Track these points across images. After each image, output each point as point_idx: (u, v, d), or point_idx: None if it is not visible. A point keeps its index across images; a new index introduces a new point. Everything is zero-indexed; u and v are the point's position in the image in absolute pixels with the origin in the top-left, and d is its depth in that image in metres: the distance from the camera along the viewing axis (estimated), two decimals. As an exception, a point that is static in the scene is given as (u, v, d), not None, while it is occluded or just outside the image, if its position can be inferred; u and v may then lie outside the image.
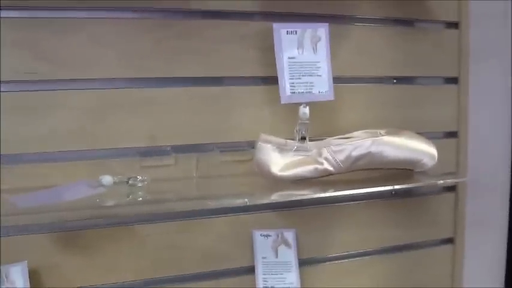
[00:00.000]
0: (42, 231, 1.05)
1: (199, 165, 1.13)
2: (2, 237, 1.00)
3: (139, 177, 1.02)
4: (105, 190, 0.97)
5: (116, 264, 1.10)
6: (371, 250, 1.32)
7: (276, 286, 1.15)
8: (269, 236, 1.17)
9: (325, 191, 1.02)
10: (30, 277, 1.00)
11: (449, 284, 1.41)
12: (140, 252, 1.12)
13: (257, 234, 1.17)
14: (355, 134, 1.11)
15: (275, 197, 1.01)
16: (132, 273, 1.12)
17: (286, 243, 1.18)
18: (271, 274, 1.16)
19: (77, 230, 1.07)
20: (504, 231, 1.39)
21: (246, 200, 0.94)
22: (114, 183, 0.99)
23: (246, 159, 1.14)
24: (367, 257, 1.31)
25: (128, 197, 0.99)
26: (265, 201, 0.99)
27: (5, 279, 0.99)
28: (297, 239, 1.20)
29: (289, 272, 1.17)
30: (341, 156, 1.05)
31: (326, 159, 1.05)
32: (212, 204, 0.96)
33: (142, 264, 1.12)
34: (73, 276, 1.07)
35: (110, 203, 0.98)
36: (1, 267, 0.99)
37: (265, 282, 1.15)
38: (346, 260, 1.29)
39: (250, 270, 1.18)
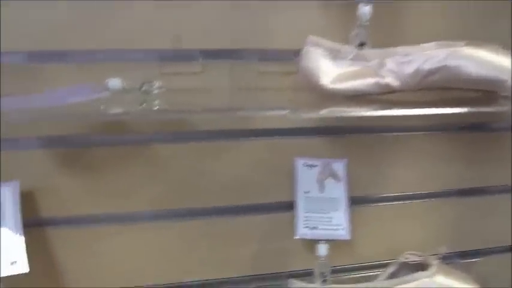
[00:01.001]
0: (38, 147, 0.88)
1: (232, 75, 0.92)
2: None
3: (157, 83, 0.81)
4: (111, 95, 0.77)
5: (125, 190, 0.93)
6: (433, 192, 1.10)
7: (319, 227, 0.95)
8: (314, 166, 0.97)
9: (386, 109, 0.80)
10: (22, 200, 0.83)
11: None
12: (156, 178, 0.94)
13: (300, 164, 0.97)
14: (426, 45, 0.88)
15: (324, 112, 0.80)
16: (145, 202, 0.94)
17: (335, 176, 0.97)
18: (315, 212, 0.95)
19: (81, 147, 0.90)
20: None
21: (287, 111, 0.73)
22: (124, 89, 0.79)
23: (289, 71, 0.91)
24: (428, 200, 1.10)
25: (141, 105, 0.79)
26: (312, 115, 0.79)
27: (-8, 201, 0.82)
28: (348, 172, 0.98)
29: (337, 211, 0.96)
30: (409, 69, 0.83)
31: (390, 71, 0.83)
32: (245, 115, 0.75)
33: (158, 192, 0.95)
34: (74, 201, 0.91)
35: (117, 110, 0.78)
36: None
37: (306, 222, 0.95)
38: (404, 202, 1.08)
39: (289, 206, 0.97)
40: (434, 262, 0.98)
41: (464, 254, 1.14)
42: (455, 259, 1.12)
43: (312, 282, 0.94)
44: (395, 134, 1.04)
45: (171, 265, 0.97)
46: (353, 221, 0.98)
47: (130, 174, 0.92)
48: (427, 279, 0.95)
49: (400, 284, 0.95)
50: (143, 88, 0.81)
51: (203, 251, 0.98)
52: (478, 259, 1.15)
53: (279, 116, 0.86)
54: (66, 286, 0.92)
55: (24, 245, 0.81)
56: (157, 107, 0.79)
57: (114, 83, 0.78)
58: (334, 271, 1.02)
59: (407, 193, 1.08)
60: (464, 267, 1.07)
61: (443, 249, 1.00)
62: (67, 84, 0.81)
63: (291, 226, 0.95)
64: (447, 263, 1.05)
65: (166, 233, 0.96)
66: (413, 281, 0.95)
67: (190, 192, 0.95)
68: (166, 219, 0.96)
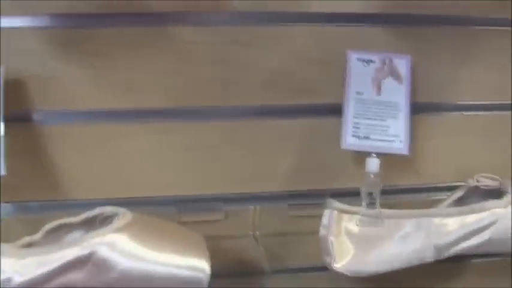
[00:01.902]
0: (29, 25, 0.71)
1: None
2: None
3: None
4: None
5: (135, 81, 0.76)
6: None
7: (372, 137, 0.76)
8: (371, 62, 0.78)
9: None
10: (6, 88, 0.67)
11: None
12: (174, 68, 0.76)
13: (353, 58, 0.78)
14: None
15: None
16: (159, 97, 0.77)
17: (396, 76, 0.78)
18: (368, 119, 0.77)
19: (81, 28, 0.73)
20: None
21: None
22: None
23: None
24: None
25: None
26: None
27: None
28: (413, 71, 0.79)
29: (395, 118, 0.77)
30: None
31: None
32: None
33: (176, 86, 0.77)
34: (71, 93, 0.75)
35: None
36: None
37: (356, 130, 0.76)
38: (482, 113, 0.87)
39: (337, 109, 0.78)
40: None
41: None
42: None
43: (357, 203, 0.76)
44: (476, 27, 0.82)
45: (188, 175, 0.80)
46: (415, 132, 0.81)
47: (141, 62, 0.75)
48: (500, 210, 0.77)
49: (467, 213, 0.77)
50: None
51: (228, 159, 0.81)
52: None
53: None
54: (57, 193, 0.77)
55: (2, 143, 0.66)
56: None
57: None
58: (388, 192, 0.84)
59: (488, 101, 0.87)
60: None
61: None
62: None
63: (338, 134, 0.77)
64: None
65: (184, 135, 0.79)
66: (483, 210, 0.77)
67: (215, 88, 0.78)
68: (185, 118, 0.78)
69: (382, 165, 0.77)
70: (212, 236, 0.80)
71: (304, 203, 0.83)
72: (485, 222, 0.76)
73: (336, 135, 0.77)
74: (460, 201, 0.82)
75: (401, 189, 0.86)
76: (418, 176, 0.86)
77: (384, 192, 0.81)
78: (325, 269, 0.75)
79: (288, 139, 0.81)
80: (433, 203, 0.83)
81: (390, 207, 0.78)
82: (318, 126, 0.81)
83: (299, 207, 0.83)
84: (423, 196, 0.87)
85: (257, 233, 0.84)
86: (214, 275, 0.67)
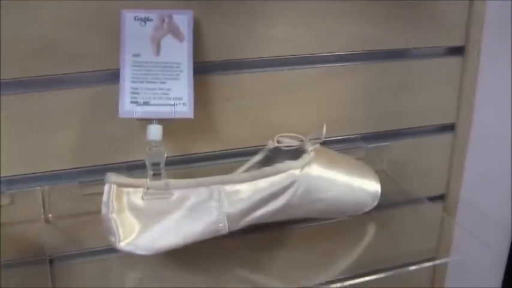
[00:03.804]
0: None
1: None
2: None
3: None
4: None
5: None
6: (327, 54, 0.83)
7: (152, 102, 0.69)
8: (148, 20, 0.70)
9: None
10: None
11: (455, 100, 0.95)
12: None
13: (129, 17, 0.70)
14: None
15: None
16: None
17: (176, 34, 0.71)
18: (146, 82, 0.70)
19: None
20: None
21: None
22: None
23: None
24: (318, 66, 0.84)
25: None
26: None
27: None
28: (197, 28, 0.73)
29: (177, 79, 0.70)
30: None
31: None
32: None
33: None
34: None
35: None
36: None
37: (134, 96, 0.69)
38: (283, 68, 0.82)
39: (114, 76, 0.71)
40: (310, 148, 0.73)
41: (373, 137, 0.90)
42: (360, 143, 0.88)
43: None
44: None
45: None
46: (210, 94, 0.76)
47: None
48: (295, 172, 0.71)
49: (260, 177, 0.71)
50: None
51: (6, 138, 0.72)
52: (390, 143, 0.91)
53: None
54: None
55: None
56: None
57: None
58: (185, 160, 0.79)
59: (287, 56, 0.81)
60: (373, 153, 0.85)
61: (323, 131, 0.74)
62: None
63: (115, 100, 0.70)
64: (347, 149, 0.83)
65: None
66: (278, 173, 0.71)
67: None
68: None
69: (177, 133, 0.72)
70: (-1, 223, 0.73)
71: (96, 179, 0.75)
72: (281, 185, 0.71)
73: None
74: (265, 165, 0.77)
75: (200, 156, 0.80)
76: (216, 141, 0.80)
77: (180, 161, 0.75)
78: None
79: (70, 111, 0.74)
80: (234, 168, 0.77)
81: (187, 177, 0.71)
82: (100, 95, 0.74)
83: (92, 184, 0.76)
84: (227, 163, 0.81)
85: (49, 215, 0.76)
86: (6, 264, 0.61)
